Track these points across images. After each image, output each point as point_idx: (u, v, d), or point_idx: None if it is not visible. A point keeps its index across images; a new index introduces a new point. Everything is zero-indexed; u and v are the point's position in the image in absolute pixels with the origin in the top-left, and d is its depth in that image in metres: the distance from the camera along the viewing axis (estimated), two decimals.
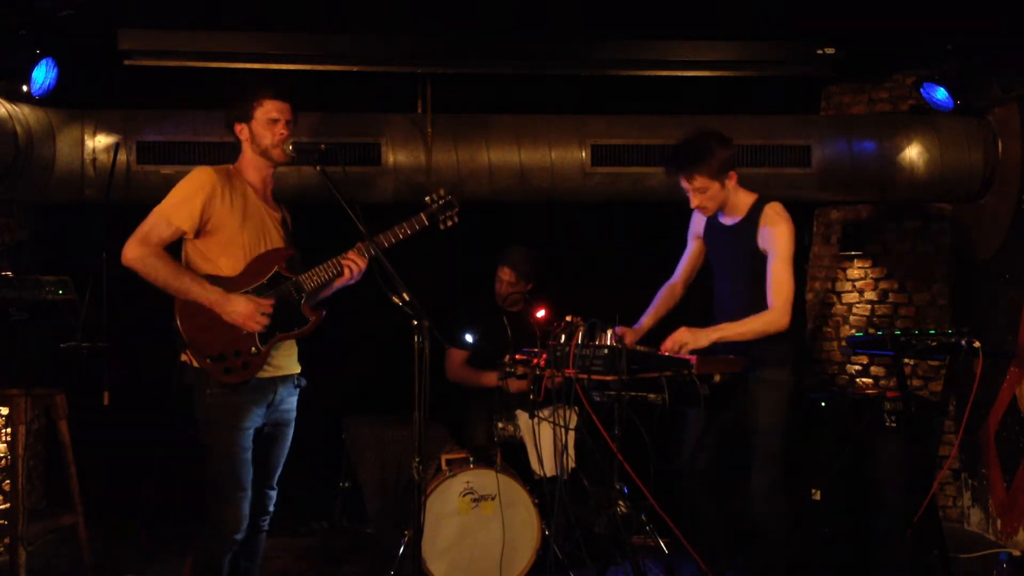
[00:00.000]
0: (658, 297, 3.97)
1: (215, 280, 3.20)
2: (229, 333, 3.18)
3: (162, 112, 4.83)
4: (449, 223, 3.55)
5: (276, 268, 3.27)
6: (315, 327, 3.36)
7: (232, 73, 4.71)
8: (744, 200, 3.77)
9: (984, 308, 5.24)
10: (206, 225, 3.21)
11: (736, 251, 3.76)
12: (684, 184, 3.71)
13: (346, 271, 3.32)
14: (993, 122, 5.18)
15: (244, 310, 3.15)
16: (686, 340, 3.51)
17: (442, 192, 3.53)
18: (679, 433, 3.91)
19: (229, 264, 3.23)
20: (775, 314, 3.56)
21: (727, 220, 3.82)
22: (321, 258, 3.36)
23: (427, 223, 3.47)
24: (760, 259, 3.67)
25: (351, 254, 3.33)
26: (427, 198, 3.51)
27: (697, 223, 3.97)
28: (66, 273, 4.37)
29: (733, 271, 3.79)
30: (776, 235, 3.64)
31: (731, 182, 3.72)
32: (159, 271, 3.12)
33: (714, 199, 3.71)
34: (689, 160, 3.67)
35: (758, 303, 3.62)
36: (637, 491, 3.65)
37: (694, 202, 3.74)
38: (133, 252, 3.13)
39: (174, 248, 3.26)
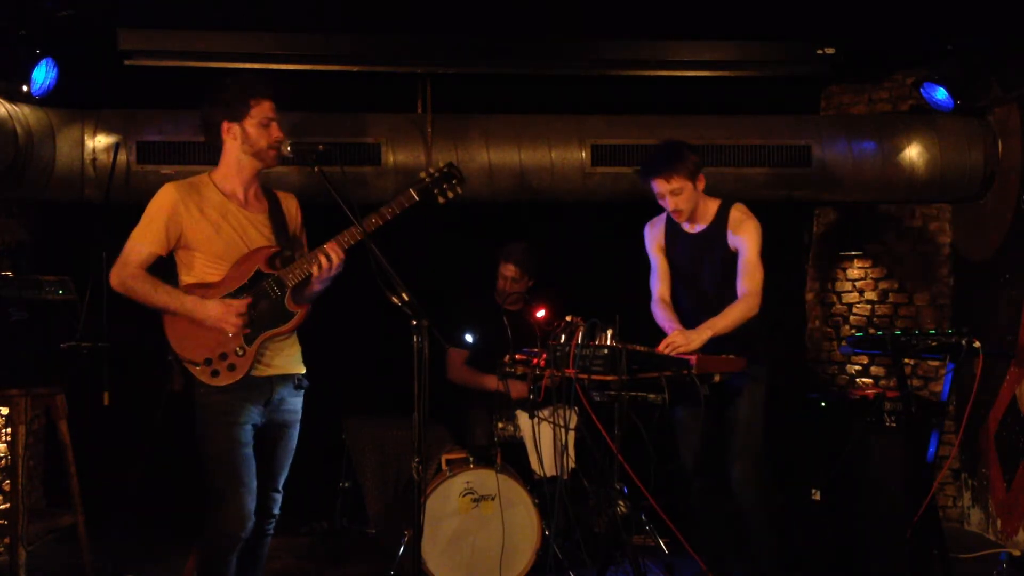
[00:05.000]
0: (666, 315, 3.93)
1: (198, 288, 3.22)
2: (213, 338, 3.19)
3: (162, 112, 4.83)
4: (450, 195, 3.39)
5: (257, 267, 3.26)
6: (301, 322, 3.31)
7: (232, 73, 4.70)
8: (710, 206, 3.92)
9: (984, 308, 5.24)
10: (179, 240, 3.22)
11: (708, 256, 3.89)
12: (661, 188, 3.84)
13: (323, 260, 3.20)
14: (993, 122, 5.18)
15: (215, 313, 3.17)
16: (680, 343, 3.55)
17: (440, 164, 3.43)
18: (676, 434, 3.94)
19: (212, 272, 3.24)
20: (752, 298, 3.73)
21: (693, 228, 3.95)
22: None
23: (417, 198, 3.34)
24: (733, 257, 3.82)
25: (328, 245, 3.23)
26: (422, 173, 3.40)
27: (657, 237, 4.07)
28: (66, 273, 4.37)
29: (712, 274, 3.89)
30: (746, 232, 3.81)
31: (701, 184, 3.86)
32: (137, 291, 3.19)
33: (689, 201, 3.84)
34: (667, 162, 3.81)
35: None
36: (637, 491, 3.65)
37: (671, 205, 3.85)
38: (115, 278, 3.21)
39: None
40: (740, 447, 3.82)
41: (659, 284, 4.05)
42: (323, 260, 3.21)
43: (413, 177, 4.83)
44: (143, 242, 3.20)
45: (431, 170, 3.43)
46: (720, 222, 3.88)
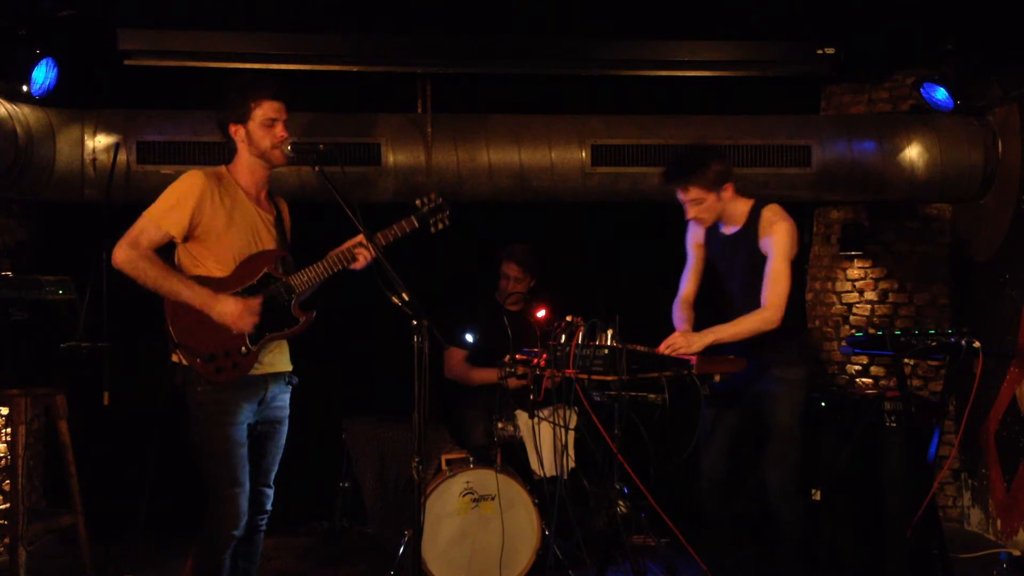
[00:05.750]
0: (680, 315, 3.89)
1: (205, 282, 3.20)
2: (219, 334, 3.18)
3: (162, 112, 4.83)
4: (440, 226, 3.50)
5: (266, 269, 3.27)
6: (305, 327, 3.35)
7: (232, 73, 4.71)
8: (741, 208, 3.81)
9: (984, 308, 5.24)
10: (195, 230, 3.20)
11: (739, 259, 3.79)
12: (680, 196, 3.77)
13: (360, 259, 3.31)
14: (993, 122, 5.18)
15: (233, 310, 3.16)
16: (680, 345, 3.53)
17: (432, 196, 3.50)
18: (686, 432, 3.92)
19: (218, 267, 3.23)
20: (769, 311, 3.61)
21: (727, 230, 3.86)
22: (320, 258, 3.35)
23: (417, 226, 3.44)
24: (762, 261, 3.70)
25: (357, 248, 3.30)
26: (417, 201, 3.49)
27: (696, 233, 3.98)
28: (66, 273, 4.37)
29: (741, 278, 3.80)
30: (776, 235, 3.68)
31: (727, 193, 3.76)
32: (147, 273, 3.13)
33: (709, 210, 3.76)
34: (683, 172, 3.73)
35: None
36: (637, 491, 3.65)
37: (690, 213, 3.78)
38: (122, 255, 3.14)
39: (167, 249, 3.26)
40: (778, 455, 3.75)
41: (687, 283, 3.96)
42: (361, 259, 3.32)
43: (413, 177, 4.88)
44: (163, 223, 3.17)
45: (425, 199, 3.49)
46: (752, 224, 3.76)
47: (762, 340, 3.62)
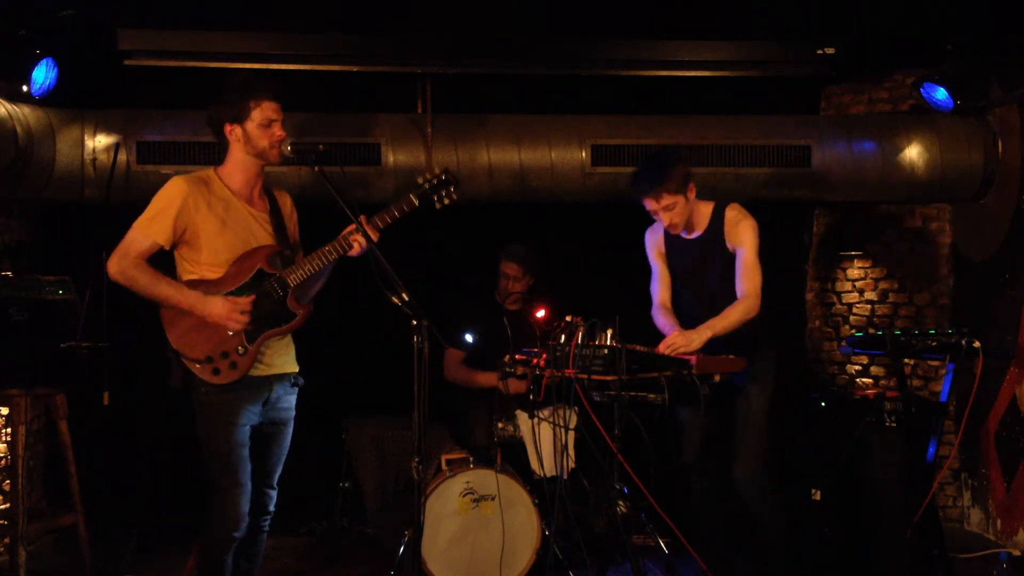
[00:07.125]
0: (665, 320, 3.91)
1: (199, 284, 3.21)
2: (214, 335, 3.19)
3: (162, 112, 4.83)
4: (446, 201, 3.44)
5: (259, 266, 3.26)
6: (303, 322, 3.33)
7: (232, 73, 4.70)
8: (703, 211, 3.89)
9: (984, 308, 5.24)
10: (183, 235, 3.22)
11: (709, 260, 3.86)
12: (652, 207, 3.81)
13: (355, 245, 3.25)
14: (993, 122, 5.18)
15: (221, 311, 3.16)
16: (681, 344, 3.54)
17: (436, 171, 3.46)
18: (677, 434, 3.94)
19: (213, 269, 3.24)
20: (751, 299, 3.71)
21: (690, 234, 3.92)
22: None
23: (416, 204, 3.38)
24: (733, 258, 3.80)
25: (353, 235, 3.25)
26: (419, 178, 3.44)
27: (656, 243, 4.04)
28: (66, 273, 4.37)
29: (718, 278, 3.85)
30: (743, 232, 3.79)
31: (692, 194, 3.83)
32: (138, 281, 3.17)
33: (682, 213, 3.81)
34: (655, 180, 3.76)
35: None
36: (637, 491, 3.66)
37: (665, 221, 3.83)
38: (114, 267, 3.19)
39: (168, 259, 3.27)
40: (744, 447, 3.80)
41: (659, 290, 4.02)
42: (357, 246, 3.26)
43: (413, 178, 4.86)
44: (148, 232, 3.19)
45: (428, 175, 3.44)
46: (716, 225, 3.85)
47: (737, 334, 3.66)
